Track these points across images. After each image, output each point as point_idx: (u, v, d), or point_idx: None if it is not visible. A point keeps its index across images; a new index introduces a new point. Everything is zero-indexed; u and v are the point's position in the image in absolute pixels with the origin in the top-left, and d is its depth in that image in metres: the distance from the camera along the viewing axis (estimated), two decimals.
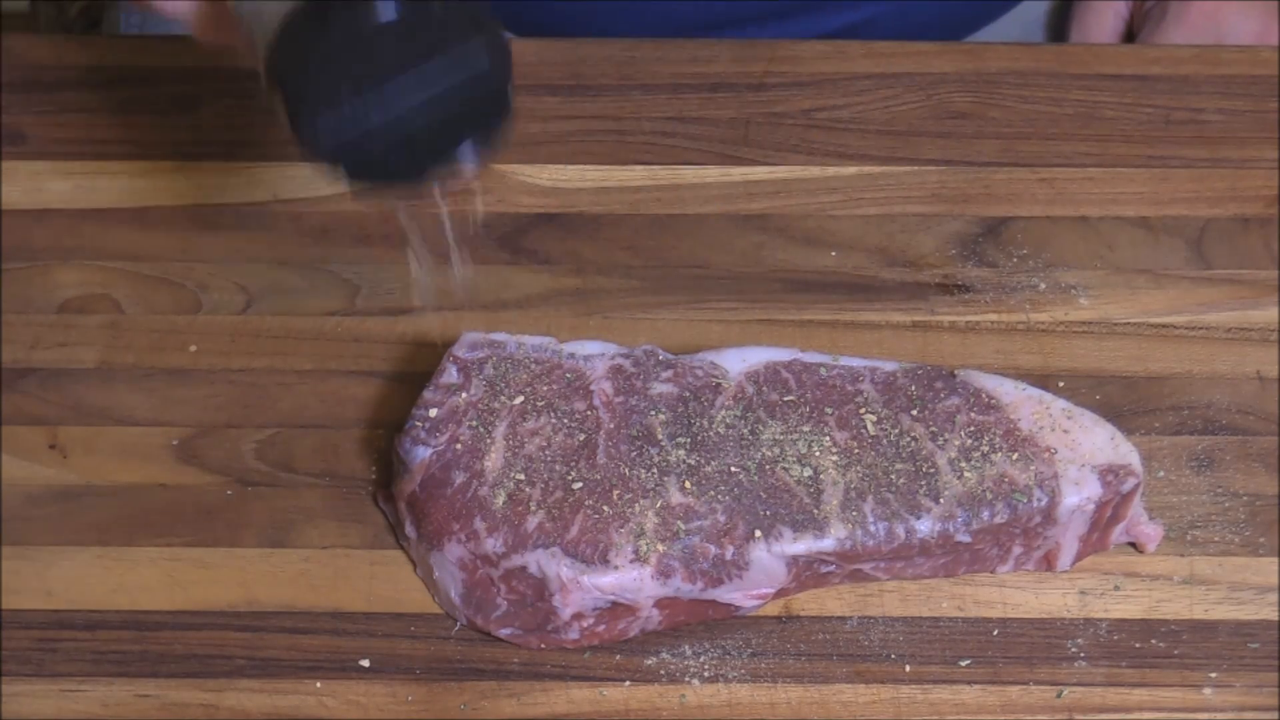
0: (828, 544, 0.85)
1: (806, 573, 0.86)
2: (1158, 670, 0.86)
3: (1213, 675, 0.86)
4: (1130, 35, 1.16)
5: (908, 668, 0.87)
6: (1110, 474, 0.87)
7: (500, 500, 0.86)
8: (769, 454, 0.87)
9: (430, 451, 0.87)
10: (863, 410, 0.88)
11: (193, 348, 0.96)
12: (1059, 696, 0.86)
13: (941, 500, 0.86)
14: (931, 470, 0.87)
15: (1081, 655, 0.87)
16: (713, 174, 1.02)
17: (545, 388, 0.89)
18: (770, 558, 0.85)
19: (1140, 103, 1.05)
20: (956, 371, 0.90)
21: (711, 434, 0.87)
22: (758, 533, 0.85)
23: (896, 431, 0.88)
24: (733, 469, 0.86)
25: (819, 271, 0.99)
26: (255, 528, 0.91)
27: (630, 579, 0.84)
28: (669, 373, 0.89)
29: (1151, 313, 0.97)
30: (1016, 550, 0.88)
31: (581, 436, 0.87)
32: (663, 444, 0.87)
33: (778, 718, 0.86)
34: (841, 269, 0.99)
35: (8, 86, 1.05)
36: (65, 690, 0.86)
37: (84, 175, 1.02)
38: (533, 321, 0.97)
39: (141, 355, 0.96)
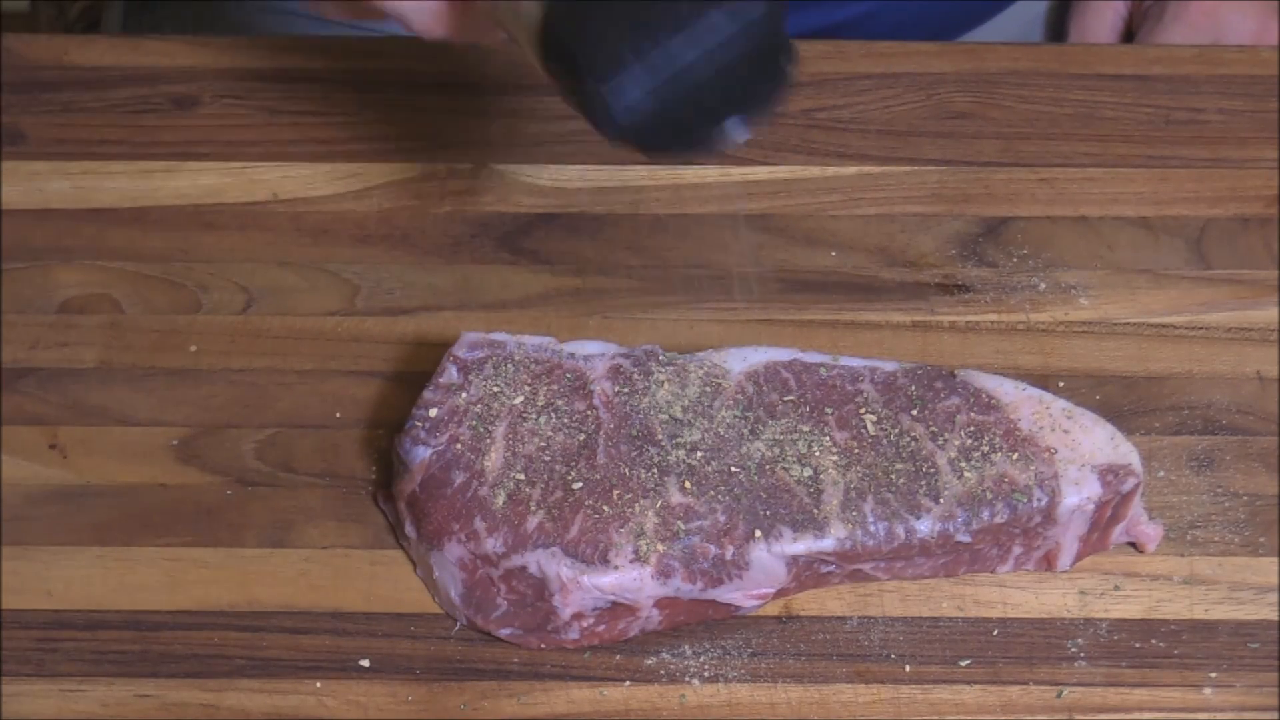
0: (828, 544, 0.85)
1: (806, 573, 0.86)
2: (1158, 670, 0.86)
3: (1213, 675, 0.86)
4: (1130, 34, 1.16)
5: (908, 668, 0.87)
6: (1110, 474, 0.87)
7: (500, 500, 0.86)
8: (769, 454, 0.87)
9: (430, 451, 0.87)
10: (863, 410, 0.88)
11: (193, 348, 0.96)
12: (1059, 696, 0.86)
13: (941, 500, 0.86)
14: (931, 470, 0.87)
15: (1081, 655, 0.87)
16: (713, 174, 1.02)
17: (545, 388, 0.89)
18: (770, 558, 0.85)
19: (1140, 103, 1.05)
20: (956, 371, 0.90)
21: (711, 434, 0.87)
22: (758, 533, 0.85)
23: (896, 431, 0.88)
24: (733, 469, 0.86)
25: (819, 271, 0.99)
26: (255, 528, 0.91)
27: (630, 579, 0.84)
28: (669, 373, 0.89)
29: (1151, 313, 0.97)
30: (1016, 550, 0.88)
31: (581, 436, 0.87)
32: (663, 444, 0.87)
33: (778, 718, 0.86)
34: (841, 269, 0.99)
35: (8, 86, 1.05)
36: (65, 690, 0.86)
37: (84, 175, 1.02)
38: (533, 321, 0.97)
39: (141, 355, 0.96)
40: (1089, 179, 1.02)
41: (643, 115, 0.75)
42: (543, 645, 0.87)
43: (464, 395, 0.88)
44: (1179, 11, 1.12)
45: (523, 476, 0.86)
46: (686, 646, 0.87)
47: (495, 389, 0.89)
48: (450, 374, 0.89)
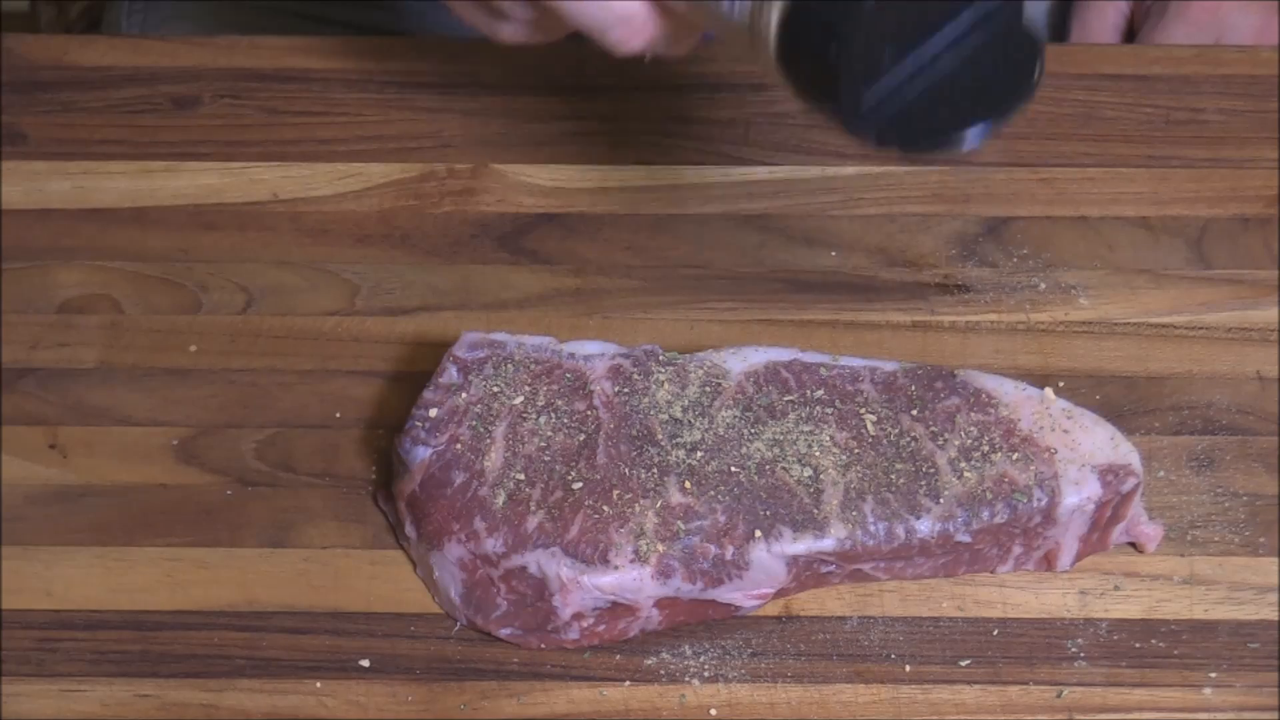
0: (828, 544, 0.85)
1: (806, 573, 0.86)
2: (1158, 670, 0.86)
3: (1213, 675, 0.86)
4: (1132, 32, 1.16)
5: (908, 668, 0.87)
6: (1110, 474, 0.87)
7: (500, 500, 0.86)
8: (769, 454, 0.87)
9: (430, 451, 0.87)
10: (863, 410, 0.88)
11: (193, 348, 0.96)
12: (1059, 696, 0.86)
13: (941, 500, 0.86)
14: (931, 470, 0.87)
15: (1081, 655, 0.87)
16: (713, 174, 1.02)
17: (545, 388, 0.89)
18: (770, 558, 0.85)
19: (1140, 103, 1.05)
20: (956, 371, 0.90)
21: (711, 434, 0.87)
22: (758, 533, 0.85)
23: (896, 431, 0.88)
24: (733, 469, 0.86)
25: (819, 271, 0.99)
26: (255, 528, 0.91)
27: (630, 579, 0.84)
28: (669, 373, 0.89)
29: (1151, 313, 0.97)
30: (1016, 550, 0.88)
31: (581, 436, 0.87)
32: (663, 444, 0.87)
33: (778, 718, 0.86)
34: (841, 269, 0.99)
35: (8, 86, 1.05)
36: (65, 690, 0.86)
37: (84, 175, 1.02)
38: (533, 321, 0.97)
39: (141, 355, 0.96)
40: (1089, 179, 1.02)
41: (898, 116, 0.74)
42: (543, 645, 0.87)
43: (464, 395, 0.88)
44: (1181, 10, 1.12)
45: (523, 476, 0.86)
46: (686, 646, 0.87)
47: (495, 389, 0.89)
48: (450, 374, 0.89)
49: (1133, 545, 0.90)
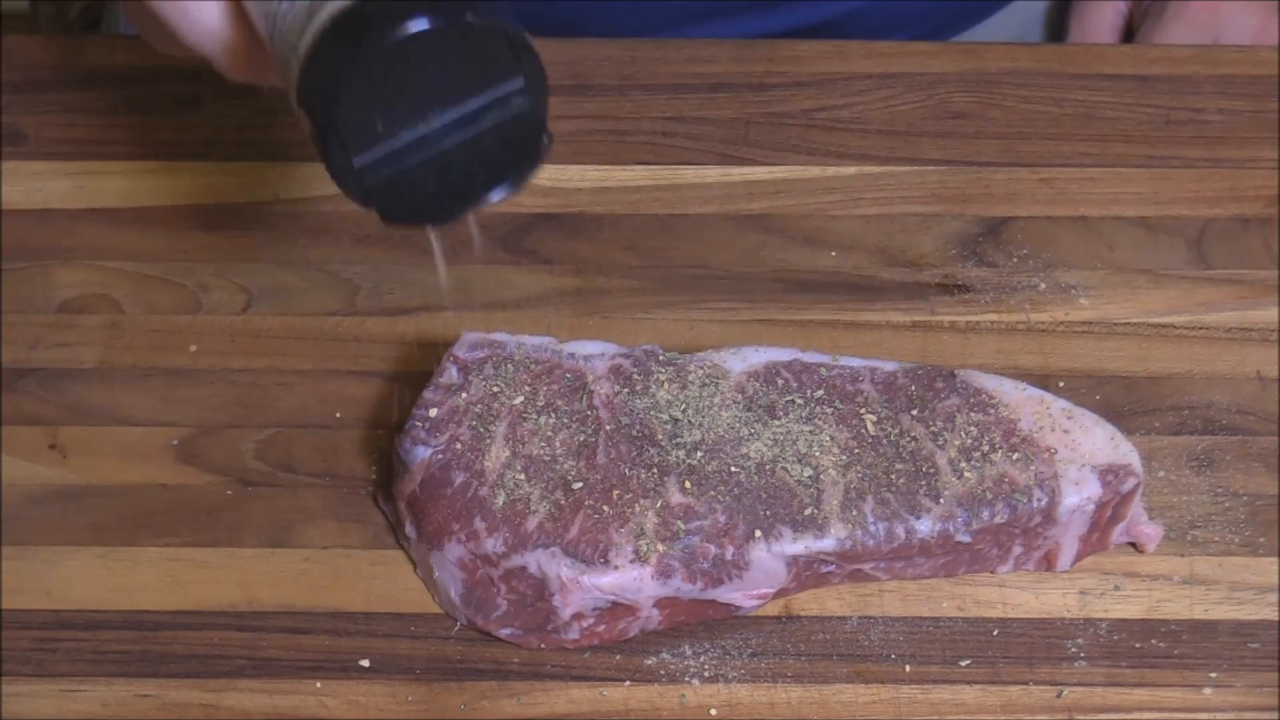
0: (828, 544, 0.85)
1: (806, 573, 0.86)
2: (1158, 670, 0.86)
3: (1213, 675, 0.86)
4: (1130, 32, 1.16)
5: (908, 668, 0.87)
6: (1110, 474, 0.87)
7: (500, 500, 0.86)
8: (769, 454, 0.87)
9: (430, 451, 0.87)
10: (863, 410, 0.88)
11: (193, 348, 0.96)
12: (1059, 696, 0.86)
13: (941, 500, 0.86)
14: (931, 470, 0.87)
15: (1081, 655, 0.87)
16: (713, 174, 1.02)
17: (545, 388, 0.89)
18: (770, 558, 0.85)
19: (1140, 103, 1.05)
20: (956, 371, 0.90)
21: (711, 434, 0.87)
22: (758, 533, 0.85)
23: (896, 431, 0.88)
24: (733, 469, 0.86)
25: (819, 271, 0.99)
26: (255, 528, 0.91)
27: (630, 579, 0.84)
28: (669, 372, 0.89)
29: (1151, 313, 0.97)
30: (1016, 550, 0.88)
31: (581, 436, 0.87)
32: (663, 444, 0.87)
33: (778, 718, 0.86)
34: (841, 269, 0.99)
35: (8, 86, 1.05)
36: (65, 690, 0.86)
37: (84, 175, 1.02)
38: (533, 321, 0.97)
39: (141, 355, 0.96)
40: (1089, 179, 1.02)
41: (386, 186, 0.73)
42: (543, 645, 0.87)
43: (464, 395, 0.88)
44: (1179, 10, 1.12)
45: (523, 476, 0.86)
46: (686, 646, 0.87)
47: (495, 389, 0.89)
48: (450, 374, 0.89)
49: (1133, 545, 0.90)
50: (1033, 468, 0.87)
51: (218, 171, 1.02)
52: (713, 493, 0.86)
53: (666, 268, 0.99)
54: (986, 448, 0.87)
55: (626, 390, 0.89)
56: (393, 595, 0.89)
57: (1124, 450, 0.88)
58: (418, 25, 0.70)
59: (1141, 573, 0.89)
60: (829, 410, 0.88)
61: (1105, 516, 0.87)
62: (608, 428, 0.88)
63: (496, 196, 0.75)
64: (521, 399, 0.88)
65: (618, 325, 0.97)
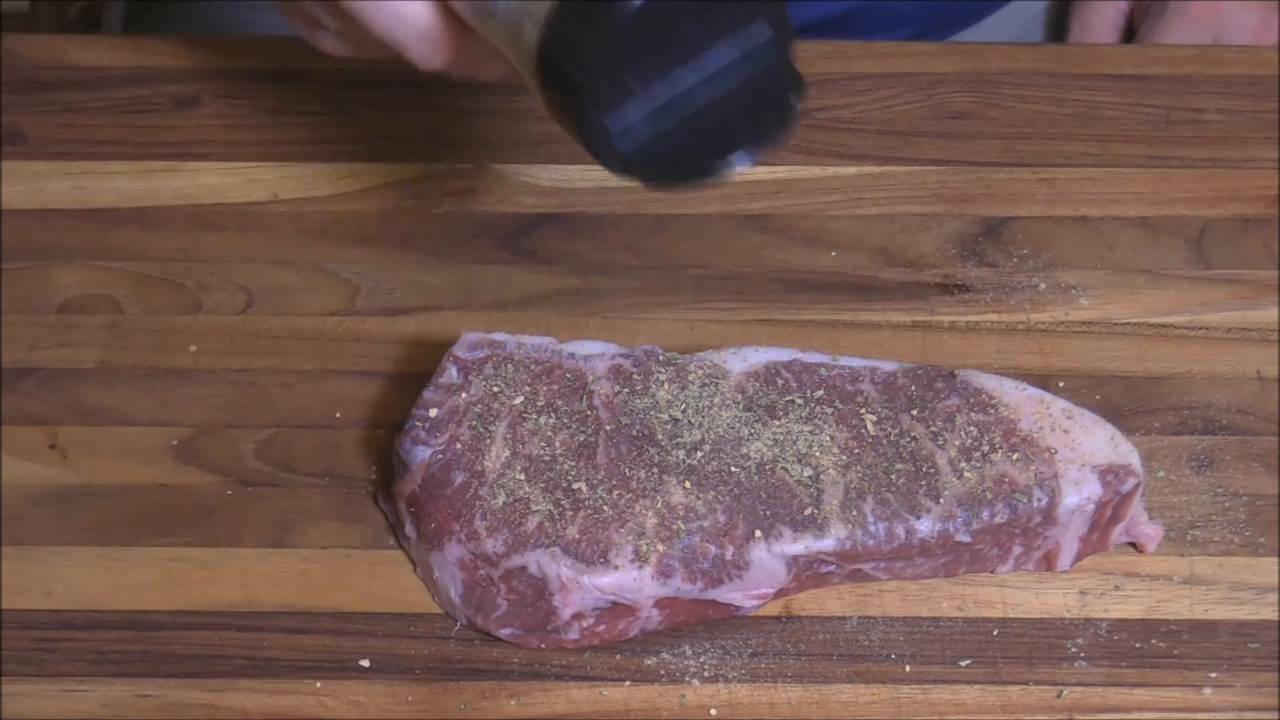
0: (828, 544, 0.85)
1: (806, 573, 0.86)
2: (1158, 670, 0.86)
3: (1213, 675, 0.86)
4: (1131, 31, 1.16)
5: (908, 668, 0.87)
6: (1110, 474, 0.87)
7: (500, 500, 0.86)
8: (769, 454, 0.87)
9: (430, 451, 0.87)
10: (863, 410, 0.88)
11: (193, 348, 0.96)
12: (1059, 697, 0.86)
13: (941, 500, 0.86)
14: (931, 470, 0.87)
15: (1081, 655, 0.87)
16: None
17: (545, 388, 0.89)
18: (770, 558, 0.85)
19: (1140, 103, 1.05)
20: (956, 371, 0.90)
21: (711, 434, 0.87)
22: (758, 533, 0.85)
23: (896, 431, 0.88)
24: (733, 469, 0.86)
25: (819, 271, 0.99)
26: (255, 528, 0.91)
27: (630, 579, 0.84)
28: (669, 373, 0.89)
29: (1151, 313, 0.97)
30: (1016, 550, 0.88)
31: (581, 436, 0.87)
32: (663, 444, 0.87)
33: (778, 718, 0.86)
34: (841, 269, 0.99)
35: (8, 86, 1.05)
36: (65, 690, 0.86)
37: (84, 175, 1.02)
38: (533, 321, 0.97)
39: (141, 355, 0.96)
40: (1089, 179, 1.02)
41: (645, 147, 0.73)
42: (543, 645, 0.87)
43: (464, 395, 0.88)
44: (1180, 9, 1.12)
45: (523, 476, 0.86)
46: (686, 646, 0.87)
47: (495, 389, 0.89)
48: (450, 374, 0.89)
49: (1133, 545, 0.90)
50: (1033, 468, 0.87)
51: (218, 171, 1.02)
52: (713, 493, 0.86)
53: (666, 268, 0.99)
54: (986, 448, 0.87)
55: (626, 390, 0.89)
56: (393, 595, 0.89)
57: (1124, 450, 0.88)
58: None
59: (1141, 573, 0.89)
60: (829, 410, 0.88)
61: (1105, 516, 0.87)
62: (608, 428, 0.88)
63: (751, 154, 0.74)
64: (521, 399, 0.88)
65: (618, 325, 0.97)
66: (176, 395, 0.95)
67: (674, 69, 0.72)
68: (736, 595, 0.86)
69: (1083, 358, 0.96)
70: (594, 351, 0.90)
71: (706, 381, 0.89)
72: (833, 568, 0.87)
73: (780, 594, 0.87)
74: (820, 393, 0.89)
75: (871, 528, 0.85)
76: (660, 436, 0.87)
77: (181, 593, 0.89)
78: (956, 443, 0.87)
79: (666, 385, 0.89)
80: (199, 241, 1.00)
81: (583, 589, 0.84)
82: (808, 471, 0.86)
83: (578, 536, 0.85)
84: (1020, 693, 0.86)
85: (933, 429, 0.88)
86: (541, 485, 0.86)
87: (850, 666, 0.87)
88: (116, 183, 1.02)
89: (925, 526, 0.86)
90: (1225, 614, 0.88)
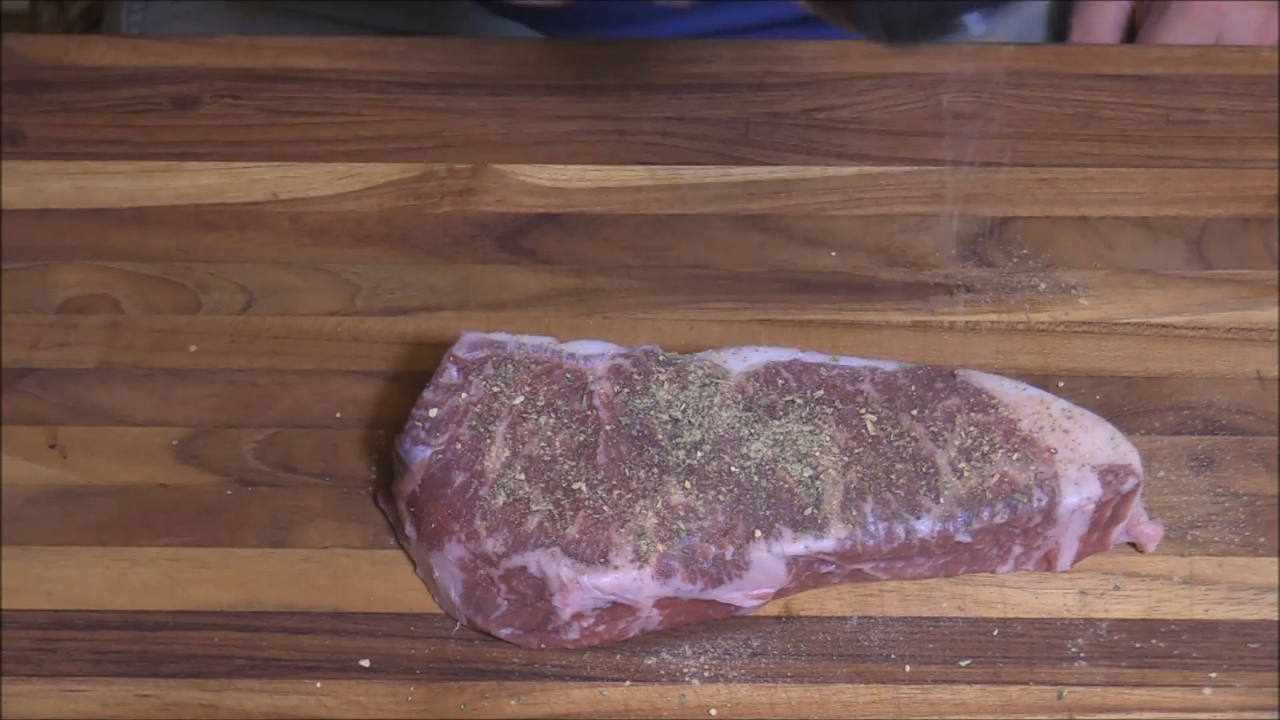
0: (828, 544, 0.85)
1: (806, 573, 0.86)
2: (1158, 670, 0.86)
3: (1213, 675, 0.86)
4: (1133, 30, 1.16)
5: (908, 668, 0.87)
6: (1110, 474, 0.87)
7: (500, 500, 0.86)
8: (769, 454, 0.87)
9: (430, 451, 0.87)
10: (863, 410, 0.88)
11: (193, 348, 0.96)
12: (1059, 698, 0.86)
13: (941, 500, 0.86)
14: (931, 470, 0.87)
15: (1081, 655, 0.87)
16: (713, 174, 1.02)
17: (545, 388, 0.89)
18: (770, 558, 0.85)
19: (1140, 103, 1.05)
20: (956, 371, 0.90)
21: (711, 434, 0.87)
22: (758, 533, 0.85)
23: (896, 431, 0.88)
24: (733, 469, 0.86)
25: (819, 271, 0.99)
26: (255, 528, 0.91)
27: (630, 579, 0.84)
28: (669, 373, 0.89)
29: (1151, 313, 0.97)
30: (1016, 550, 0.88)
31: (581, 436, 0.87)
32: (663, 444, 0.87)
33: (778, 718, 0.86)
34: (841, 269, 0.99)
35: (8, 86, 1.05)
36: (65, 690, 0.86)
37: (84, 175, 1.02)
38: (533, 321, 0.97)
39: (141, 355, 0.96)
40: (1089, 179, 1.02)
41: (897, 7, 0.78)
42: (543, 645, 0.87)
43: (464, 395, 0.88)
44: (1182, 8, 1.12)
45: (523, 476, 0.86)
46: (686, 646, 0.87)
47: (495, 389, 0.89)
48: (450, 374, 0.89)
49: (1133, 545, 0.90)
50: (1033, 468, 0.87)
51: (218, 171, 1.02)
52: (713, 493, 0.86)
53: (666, 268, 0.99)
54: (986, 448, 0.87)
55: (626, 390, 0.89)
56: (393, 595, 0.89)
57: (1124, 450, 0.88)
58: None
59: (1141, 573, 0.89)
60: (829, 410, 0.88)
61: (1105, 516, 0.87)
62: (608, 428, 0.88)
63: (984, 16, 0.80)
64: (521, 399, 0.88)
65: (618, 325, 0.97)
66: (176, 395, 0.95)
67: None
68: (736, 595, 0.86)
69: (1083, 358, 0.96)
70: (594, 351, 0.90)
71: (706, 381, 0.89)
72: (833, 568, 0.87)
73: (780, 594, 0.87)
74: (820, 393, 0.89)
75: (871, 528, 0.85)
76: (660, 436, 0.87)
77: (181, 593, 0.89)
78: (956, 443, 0.87)
79: (666, 385, 0.89)
80: (199, 241, 1.00)
81: (583, 589, 0.84)
82: (808, 471, 0.86)
83: (578, 536, 0.85)
84: (1020, 693, 0.86)
85: (933, 429, 0.88)
86: (541, 485, 0.86)
87: (850, 666, 0.87)
88: (116, 183, 1.02)
89: (925, 526, 0.86)
90: (1225, 614, 0.88)
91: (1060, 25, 1.19)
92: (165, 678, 0.87)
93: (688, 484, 0.86)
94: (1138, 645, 0.87)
